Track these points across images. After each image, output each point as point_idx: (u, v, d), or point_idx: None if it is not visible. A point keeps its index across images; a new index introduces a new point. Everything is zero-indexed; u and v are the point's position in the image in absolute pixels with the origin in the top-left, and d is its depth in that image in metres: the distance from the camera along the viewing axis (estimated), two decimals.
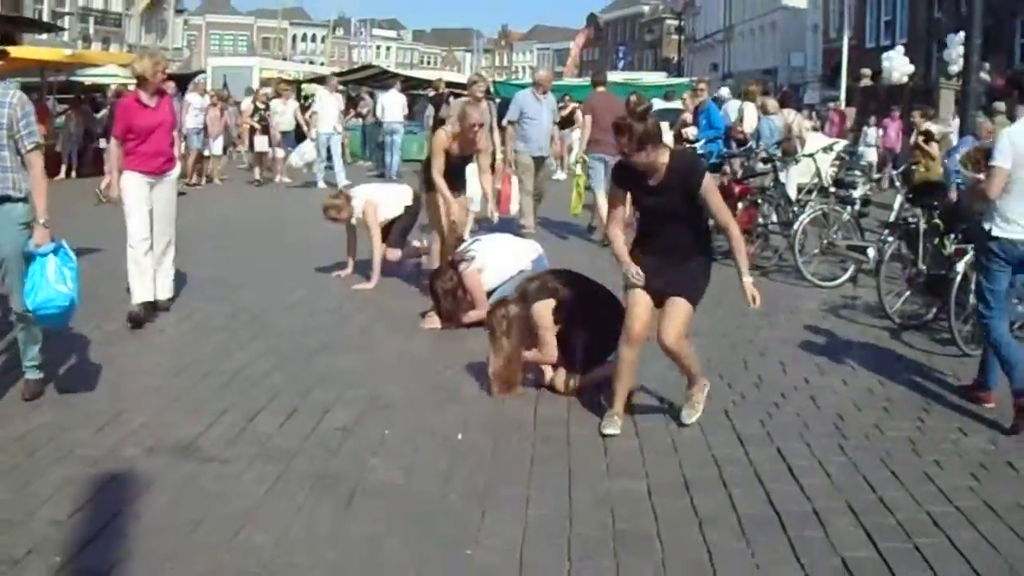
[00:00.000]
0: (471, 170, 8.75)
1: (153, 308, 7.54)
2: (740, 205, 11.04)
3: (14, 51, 14.53)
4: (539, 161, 12.28)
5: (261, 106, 20.67)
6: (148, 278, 7.42)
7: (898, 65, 27.35)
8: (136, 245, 7.34)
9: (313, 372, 6.31)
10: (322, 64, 72.19)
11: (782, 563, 3.83)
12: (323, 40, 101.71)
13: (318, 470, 4.66)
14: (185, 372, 6.29)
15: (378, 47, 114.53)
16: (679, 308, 5.23)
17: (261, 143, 19.97)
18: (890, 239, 8.71)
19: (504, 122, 12.78)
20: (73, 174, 19.81)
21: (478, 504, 4.32)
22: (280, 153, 20.08)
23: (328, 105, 19.29)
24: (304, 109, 21.21)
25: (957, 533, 4.12)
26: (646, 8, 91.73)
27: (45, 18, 45.24)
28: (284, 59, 73.61)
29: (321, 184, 18.41)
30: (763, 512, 4.31)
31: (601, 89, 12.80)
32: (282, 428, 5.25)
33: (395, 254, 9.19)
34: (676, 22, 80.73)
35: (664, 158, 5.16)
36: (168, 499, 4.28)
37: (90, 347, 6.70)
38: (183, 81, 26.95)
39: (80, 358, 6.45)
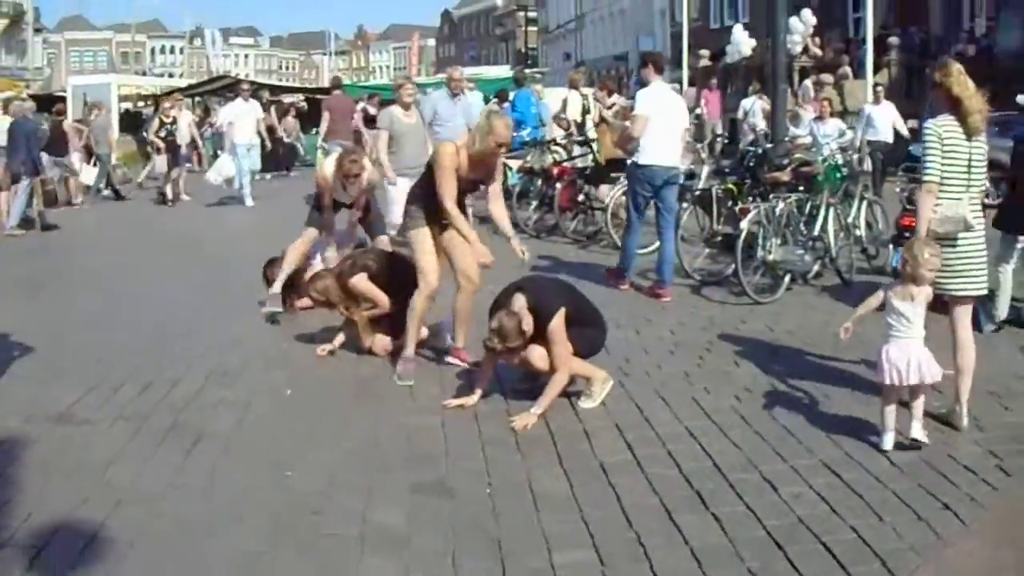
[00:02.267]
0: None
1: None
2: (559, 185, 12.40)
3: None
4: None
5: (167, 120, 19.59)
6: None
7: (740, 42, 28.84)
8: None
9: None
10: (180, 76, 71.86)
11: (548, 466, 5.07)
12: (181, 52, 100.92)
13: (168, 425, 5.71)
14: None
15: (236, 55, 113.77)
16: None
17: (162, 162, 19.21)
18: (685, 205, 10.06)
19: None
20: None
21: (298, 442, 5.45)
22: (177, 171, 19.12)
23: (245, 114, 18.23)
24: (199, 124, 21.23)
25: (709, 441, 5.36)
26: (499, 2, 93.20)
27: None
28: (144, 73, 72.87)
29: (249, 201, 17.84)
30: (540, 433, 5.55)
31: (337, 92, 18.52)
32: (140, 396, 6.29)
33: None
34: (528, 14, 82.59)
35: (527, 324, 5.73)
36: (49, 451, 5.29)
37: None
38: (45, 102, 27.17)
39: None
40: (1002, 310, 7.77)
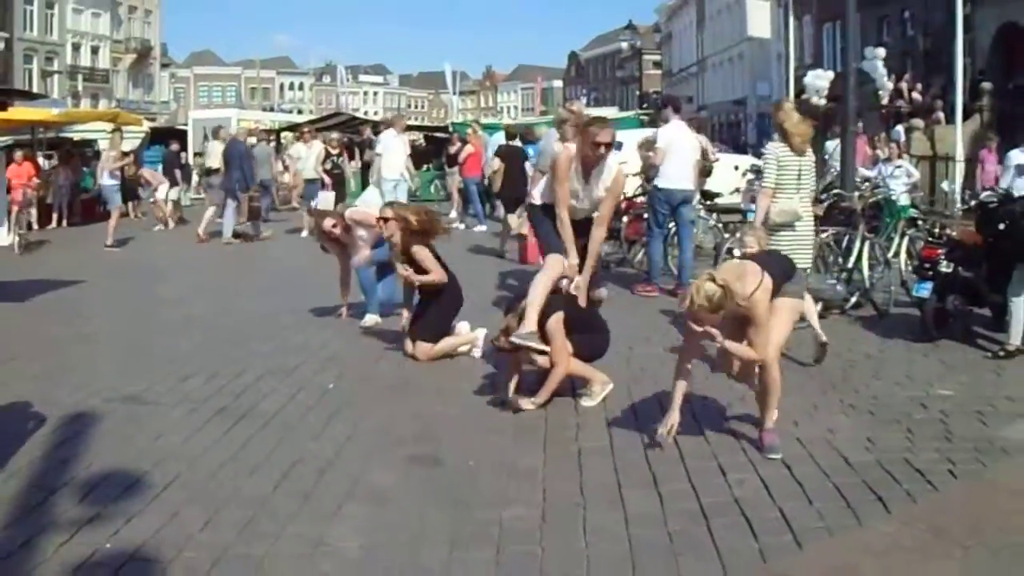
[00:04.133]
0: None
1: None
2: (624, 219, 13.12)
3: (7, 113, 16.48)
4: None
5: (334, 152, 18.89)
6: None
7: (813, 86, 28.94)
8: None
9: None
10: (310, 112, 74.63)
11: (531, 448, 5.81)
12: (311, 88, 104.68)
13: (220, 407, 6.64)
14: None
15: (365, 93, 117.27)
16: None
17: (327, 198, 17.15)
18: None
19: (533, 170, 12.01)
20: (64, 223, 21.79)
21: (325, 423, 6.32)
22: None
23: (395, 148, 16.84)
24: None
25: (684, 439, 5.84)
26: (624, 45, 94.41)
27: (35, 77, 47.56)
28: (271, 109, 75.94)
29: None
30: (536, 424, 6.31)
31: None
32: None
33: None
34: (652, 58, 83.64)
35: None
36: (116, 423, 6.26)
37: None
38: (164, 135, 29.03)
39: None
40: (1015, 337, 8.16)
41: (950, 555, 4.43)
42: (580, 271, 6.88)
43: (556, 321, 6.48)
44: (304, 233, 17.43)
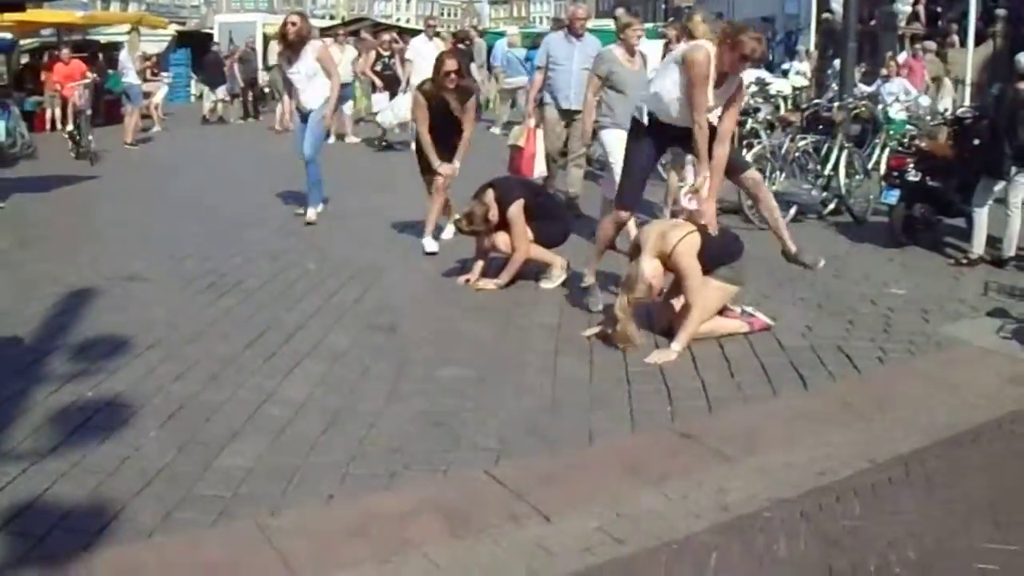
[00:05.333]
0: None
1: None
2: None
3: (30, 14, 16.82)
4: (568, 116, 9.86)
5: (386, 54, 18.01)
6: None
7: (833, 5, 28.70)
8: None
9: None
10: (342, 19, 74.04)
11: (486, 322, 6.29)
12: None
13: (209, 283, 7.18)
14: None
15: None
16: None
17: (381, 100, 16.93)
18: None
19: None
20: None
21: (302, 299, 6.86)
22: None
23: (427, 55, 15.34)
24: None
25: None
26: None
27: None
28: (304, 15, 75.41)
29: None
30: (499, 304, 6.78)
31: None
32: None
33: None
34: None
35: (493, 214, 7.03)
36: (114, 297, 6.82)
37: None
38: (191, 37, 29.29)
39: None
40: (977, 246, 8.51)
41: (850, 425, 4.87)
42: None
43: (517, 207, 6.92)
44: (331, 139, 17.23)
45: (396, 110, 15.47)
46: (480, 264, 7.12)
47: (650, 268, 5.70)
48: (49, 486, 3.88)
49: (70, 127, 16.11)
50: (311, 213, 9.67)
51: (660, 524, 3.75)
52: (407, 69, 15.89)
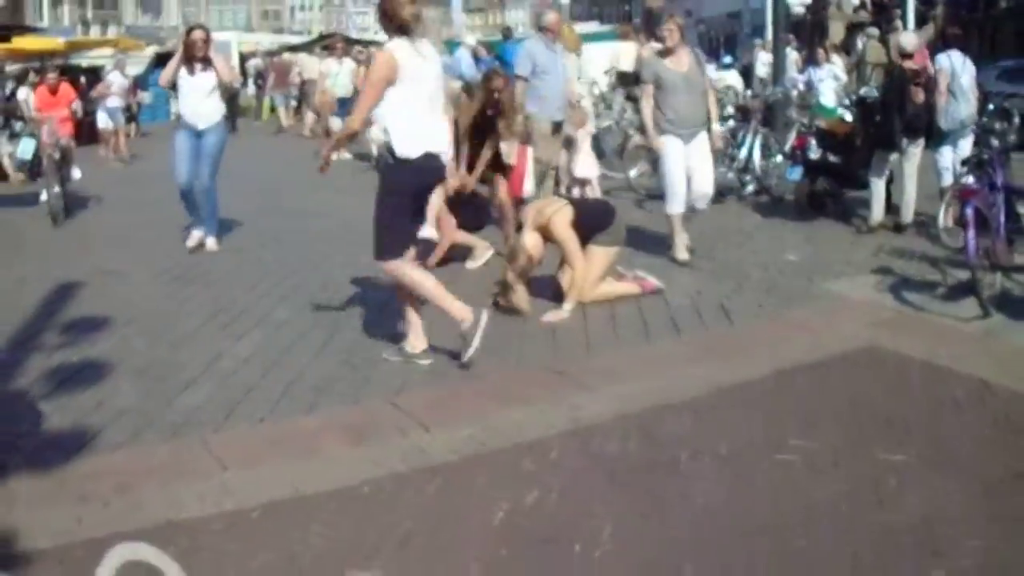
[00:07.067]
0: None
1: None
2: None
3: (16, 42, 17.70)
4: (556, 127, 9.51)
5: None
6: None
7: None
8: None
9: None
10: (320, 33, 74.81)
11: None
12: (320, 9, 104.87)
13: (179, 274, 8.21)
14: None
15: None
16: None
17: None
18: None
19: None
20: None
21: (257, 284, 7.92)
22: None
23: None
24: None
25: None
26: None
27: (45, 6, 48.81)
28: (281, 31, 76.55)
29: None
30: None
31: None
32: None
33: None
34: None
35: None
36: (95, 289, 7.85)
37: None
38: (168, 58, 30.04)
39: None
40: (876, 214, 9.39)
41: (708, 362, 5.71)
42: None
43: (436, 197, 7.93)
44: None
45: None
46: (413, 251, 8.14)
47: (531, 241, 6.73)
48: (42, 420, 4.96)
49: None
50: (211, 242, 9.28)
51: (517, 431, 4.77)
52: None
